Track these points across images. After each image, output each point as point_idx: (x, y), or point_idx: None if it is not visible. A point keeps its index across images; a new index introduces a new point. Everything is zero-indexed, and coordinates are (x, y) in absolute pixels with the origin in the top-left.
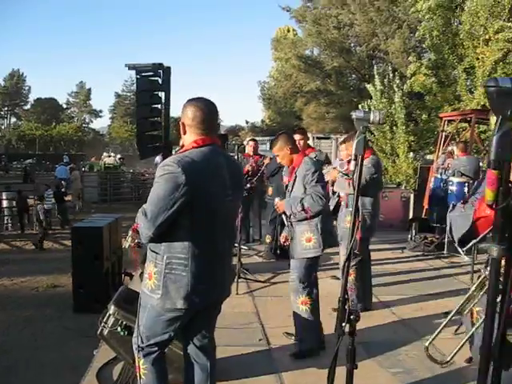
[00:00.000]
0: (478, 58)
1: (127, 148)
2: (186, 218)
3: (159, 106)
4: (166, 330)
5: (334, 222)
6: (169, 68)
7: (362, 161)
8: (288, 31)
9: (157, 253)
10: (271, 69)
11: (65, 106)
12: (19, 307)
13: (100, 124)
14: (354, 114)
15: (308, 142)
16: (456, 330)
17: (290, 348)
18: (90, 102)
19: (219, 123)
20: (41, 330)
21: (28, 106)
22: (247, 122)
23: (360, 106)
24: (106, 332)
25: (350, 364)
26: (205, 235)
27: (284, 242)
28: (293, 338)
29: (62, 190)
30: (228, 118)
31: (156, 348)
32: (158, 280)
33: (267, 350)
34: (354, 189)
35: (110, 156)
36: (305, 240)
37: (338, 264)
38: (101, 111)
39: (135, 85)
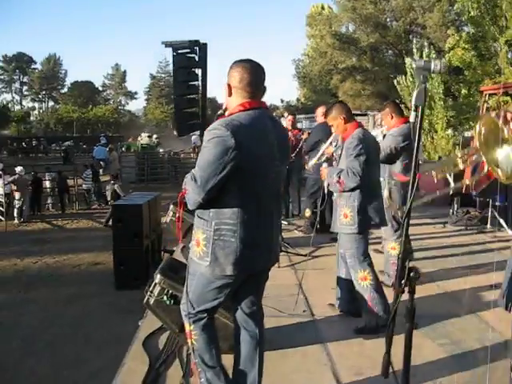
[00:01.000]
0: None
1: (163, 129)
2: (235, 183)
3: (196, 83)
4: (215, 296)
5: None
6: (205, 45)
7: (423, 112)
8: (323, 8)
9: (205, 219)
10: (306, 46)
11: (101, 89)
12: (62, 284)
13: (135, 106)
14: (415, 63)
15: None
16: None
17: (333, 319)
18: (126, 85)
19: None
20: (83, 306)
21: (65, 90)
22: (282, 101)
23: (395, 82)
24: (152, 301)
25: (410, 323)
26: (253, 201)
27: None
28: (335, 309)
29: (100, 170)
30: (263, 98)
31: (206, 314)
32: (206, 247)
33: (311, 321)
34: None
35: (147, 136)
36: (342, 215)
37: (380, 238)
38: (136, 93)
39: (172, 62)
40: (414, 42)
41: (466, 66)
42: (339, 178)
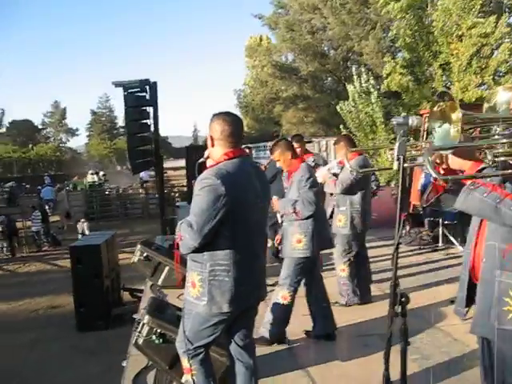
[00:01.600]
0: (452, 54)
1: (107, 165)
2: (226, 227)
3: (148, 121)
4: (212, 332)
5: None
6: (155, 83)
7: (404, 161)
8: (261, 40)
9: (199, 262)
10: (246, 76)
11: (40, 127)
12: (22, 330)
13: (77, 142)
14: (395, 120)
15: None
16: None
17: (308, 345)
18: (66, 121)
19: (197, 133)
20: (45, 350)
21: (3, 130)
22: None
23: (338, 108)
24: (141, 341)
25: (404, 343)
26: (244, 241)
27: (278, 242)
28: (310, 336)
29: (48, 210)
30: (206, 129)
31: (203, 349)
32: (202, 287)
33: (288, 348)
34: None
35: (94, 173)
36: (295, 241)
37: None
38: (77, 129)
39: (123, 101)
40: (354, 68)
41: (404, 90)
42: (294, 208)
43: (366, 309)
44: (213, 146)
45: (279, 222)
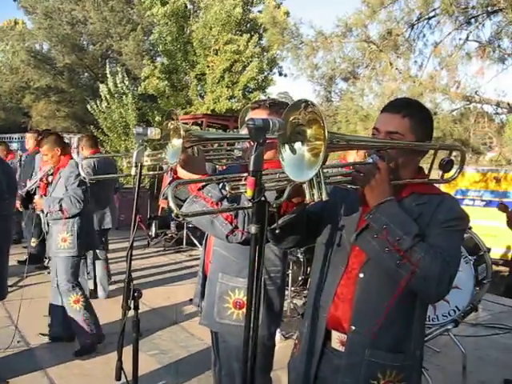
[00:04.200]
0: (208, 66)
1: None
2: None
3: None
4: None
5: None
6: None
7: (141, 168)
8: (16, 23)
9: None
10: None
11: None
12: None
13: None
14: (135, 130)
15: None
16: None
17: (49, 346)
18: None
19: None
20: None
21: None
22: None
23: (89, 107)
24: None
25: (136, 333)
26: None
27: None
28: (47, 337)
29: None
30: None
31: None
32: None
33: (27, 349)
34: None
35: None
36: (61, 240)
37: None
38: None
39: None
40: (108, 67)
41: (160, 95)
42: (61, 206)
43: (106, 308)
44: None
45: (43, 221)
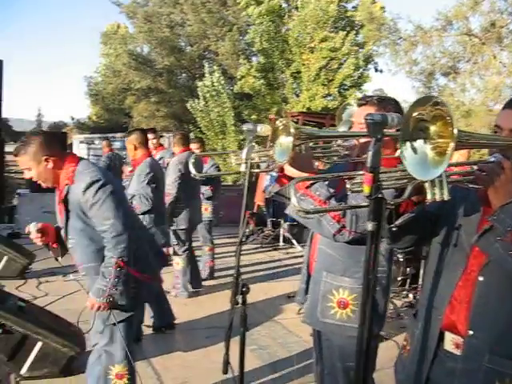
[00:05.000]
0: (304, 64)
1: None
2: None
3: None
4: None
5: None
6: (1, 62)
7: (251, 165)
8: (118, 27)
9: None
10: (99, 64)
11: None
12: None
13: None
14: (246, 127)
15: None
16: (299, 311)
17: (152, 336)
18: None
19: (41, 118)
20: None
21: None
22: (73, 119)
23: (188, 105)
24: None
25: (243, 328)
26: None
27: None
28: (150, 329)
29: None
30: (50, 114)
31: None
32: None
33: None
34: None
35: None
36: None
37: None
38: None
39: None
40: (206, 66)
41: (256, 94)
42: (131, 203)
43: (207, 303)
44: None
45: None
